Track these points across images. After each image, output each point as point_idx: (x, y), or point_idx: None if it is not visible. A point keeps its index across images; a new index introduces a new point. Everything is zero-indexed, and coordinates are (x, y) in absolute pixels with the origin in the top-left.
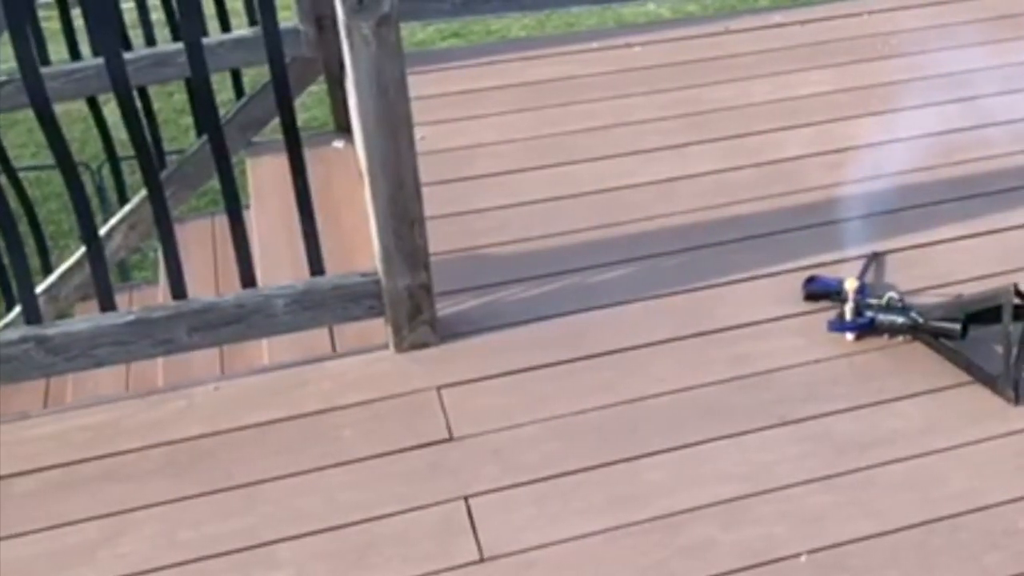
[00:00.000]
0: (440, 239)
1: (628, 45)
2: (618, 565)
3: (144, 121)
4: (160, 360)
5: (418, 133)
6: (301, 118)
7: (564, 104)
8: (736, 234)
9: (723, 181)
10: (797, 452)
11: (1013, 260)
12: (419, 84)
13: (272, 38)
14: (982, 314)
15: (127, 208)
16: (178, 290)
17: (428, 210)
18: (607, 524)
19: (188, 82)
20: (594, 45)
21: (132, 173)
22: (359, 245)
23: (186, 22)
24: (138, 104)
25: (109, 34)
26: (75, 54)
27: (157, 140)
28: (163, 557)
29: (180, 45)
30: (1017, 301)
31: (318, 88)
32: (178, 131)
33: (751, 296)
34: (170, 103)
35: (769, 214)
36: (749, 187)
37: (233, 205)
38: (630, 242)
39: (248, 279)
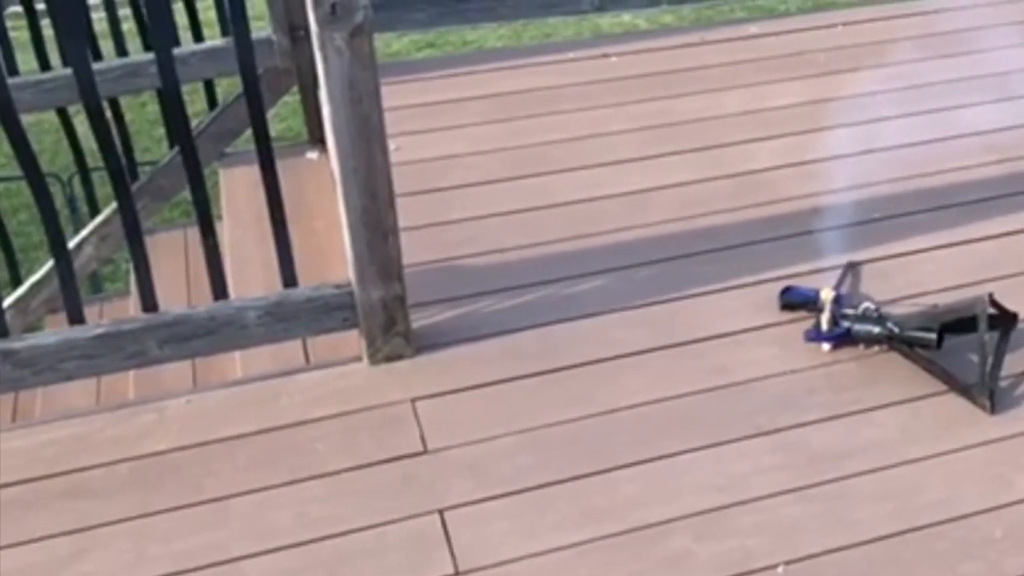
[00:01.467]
0: (414, 250)
1: (604, 56)
2: None
3: (115, 132)
4: (132, 373)
5: (392, 144)
6: (276, 128)
7: (538, 115)
8: (711, 245)
9: (697, 192)
10: (773, 463)
11: (987, 270)
12: (393, 95)
13: (243, 48)
14: (957, 324)
15: (98, 220)
16: (148, 303)
17: (402, 221)
18: (582, 537)
19: (160, 93)
20: (569, 56)
21: (103, 184)
22: (333, 256)
23: (156, 31)
24: (109, 115)
25: (78, 43)
26: (44, 64)
27: (129, 151)
28: (131, 574)
29: (152, 55)
30: (992, 311)
31: (292, 99)
32: (151, 142)
33: (726, 307)
34: (143, 114)
35: (744, 225)
36: (723, 198)
37: (205, 216)
38: (604, 253)
39: (220, 291)
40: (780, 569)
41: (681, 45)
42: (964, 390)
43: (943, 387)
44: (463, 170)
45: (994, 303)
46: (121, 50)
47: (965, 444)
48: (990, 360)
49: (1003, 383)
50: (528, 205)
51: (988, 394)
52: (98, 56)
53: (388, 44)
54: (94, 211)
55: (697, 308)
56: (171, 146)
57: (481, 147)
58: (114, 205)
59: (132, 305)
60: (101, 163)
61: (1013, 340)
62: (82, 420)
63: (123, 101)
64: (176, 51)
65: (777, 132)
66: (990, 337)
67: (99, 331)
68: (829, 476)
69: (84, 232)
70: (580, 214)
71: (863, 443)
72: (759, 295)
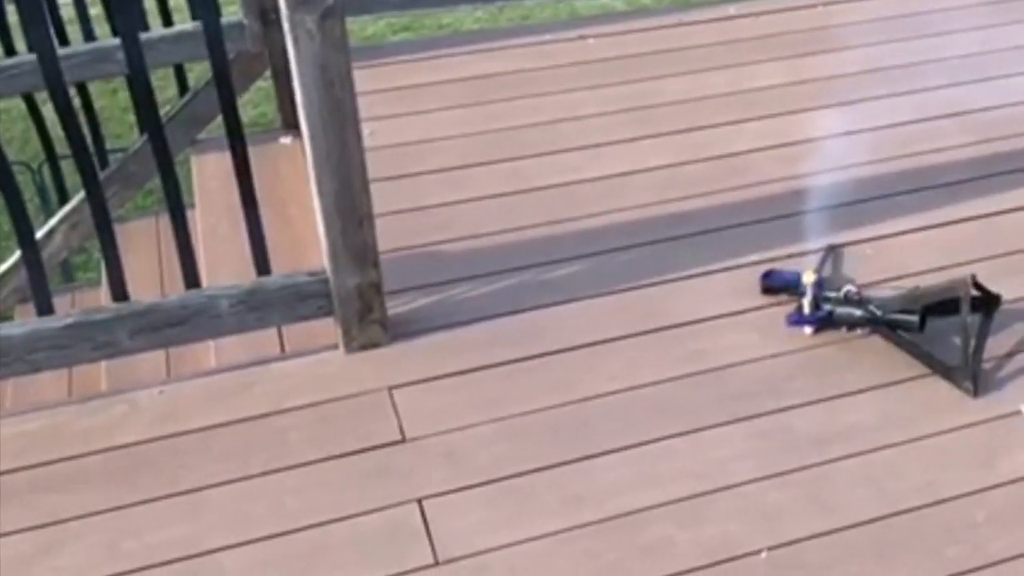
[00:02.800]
0: (390, 236)
1: (581, 38)
2: (574, 566)
3: (83, 118)
4: (104, 364)
5: (366, 129)
6: (249, 114)
7: (515, 98)
8: (691, 229)
9: (676, 175)
10: (754, 448)
11: (969, 251)
12: (367, 79)
13: (212, 31)
14: (940, 306)
15: (67, 208)
16: (119, 292)
17: (377, 207)
18: (562, 525)
19: (128, 78)
20: (547, 38)
21: (74, 172)
22: (309, 243)
23: (121, 14)
24: (77, 101)
25: (42, 28)
26: (9, 50)
27: (98, 138)
28: (103, 568)
29: (119, 40)
30: (974, 293)
31: (266, 84)
32: (123, 128)
33: (707, 291)
34: (115, 100)
35: (724, 208)
36: (703, 181)
37: (175, 204)
38: (583, 238)
39: (192, 279)
40: (763, 554)
41: (659, 27)
42: (947, 373)
43: (926, 370)
44: (439, 155)
45: (977, 285)
46: (89, 35)
47: (948, 427)
48: (973, 342)
49: (986, 365)
50: (505, 190)
51: (971, 377)
52: (65, 41)
53: (363, 27)
54: (63, 199)
55: (677, 293)
56: (141, 132)
57: (457, 131)
58: (84, 193)
59: (104, 294)
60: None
61: (996, 322)
62: (52, 412)
63: (93, 87)
64: (144, 36)
65: (756, 114)
66: (973, 319)
67: (68, 321)
68: (811, 461)
69: (53, 221)
70: (557, 198)
71: (845, 427)
72: (740, 279)
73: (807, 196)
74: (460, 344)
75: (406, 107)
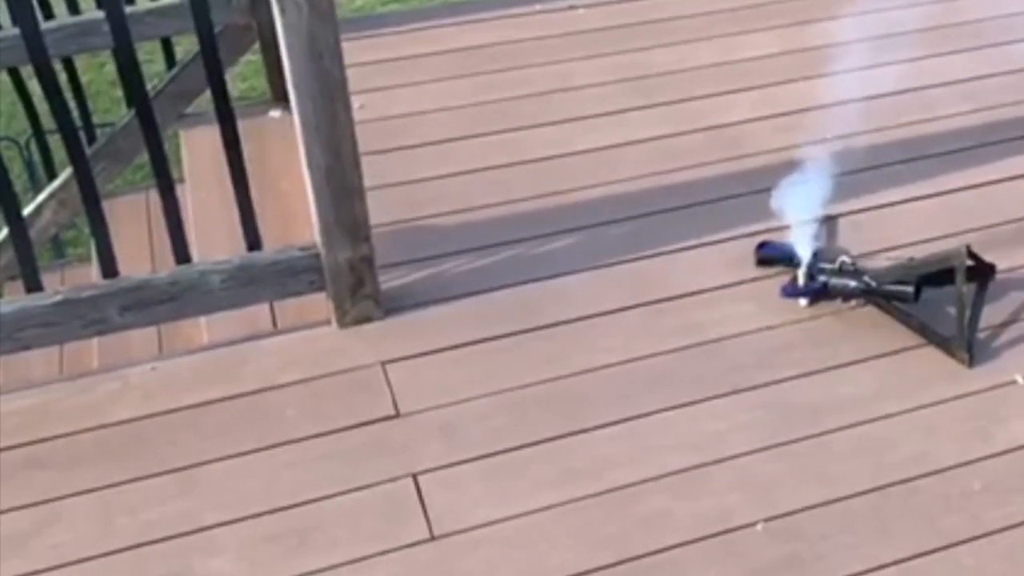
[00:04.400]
0: (381, 210)
1: (571, 8)
2: (571, 540)
3: (70, 93)
4: (95, 341)
5: (355, 101)
6: (239, 88)
7: (506, 70)
8: (684, 201)
9: (669, 147)
10: (750, 420)
11: (963, 221)
12: (356, 51)
13: (198, 4)
14: (935, 276)
15: (55, 184)
16: (108, 268)
17: (368, 181)
18: (559, 499)
19: (114, 52)
20: (536, 8)
21: (62, 147)
22: (300, 217)
23: None
24: (64, 76)
25: (25, 1)
26: None
27: (85, 113)
28: (98, 546)
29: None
30: (969, 263)
31: (256, 57)
32: (111, 103)
33: (701, 263)
34: (102, 74)
35: (717, 179)
36: (696, 152)
37: (164, 179)
38: (575, 211)
39: (182, 255)
40: (760, 526)
41: None
42: (942, 343)
43: (921, 340)
44: (429, 127)
45: (972, 255)
46: (74, 8)
47: (943, 397)
48: (968, 313)
49: (981, 335)
50: (497, 162)
51: (966, 347)
52: (50, 15)
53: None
54: (52, 175)
55: (671, 265)
56: (129, 107)
57: (448, 103)
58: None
59: (95, 271)
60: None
61: (991, 292)
62: (43, 390)
63: (81, 61)
64: (130, 9)
65: (749, 84)
66: (968, 289)
67: (57, 299)
68: (807, 432)
69: (41, 197)
70: (550, 171)
71: (840, 398)
72: (734, 251)
73: (801, 166)
74: (453, 318)
75: (396, 79)
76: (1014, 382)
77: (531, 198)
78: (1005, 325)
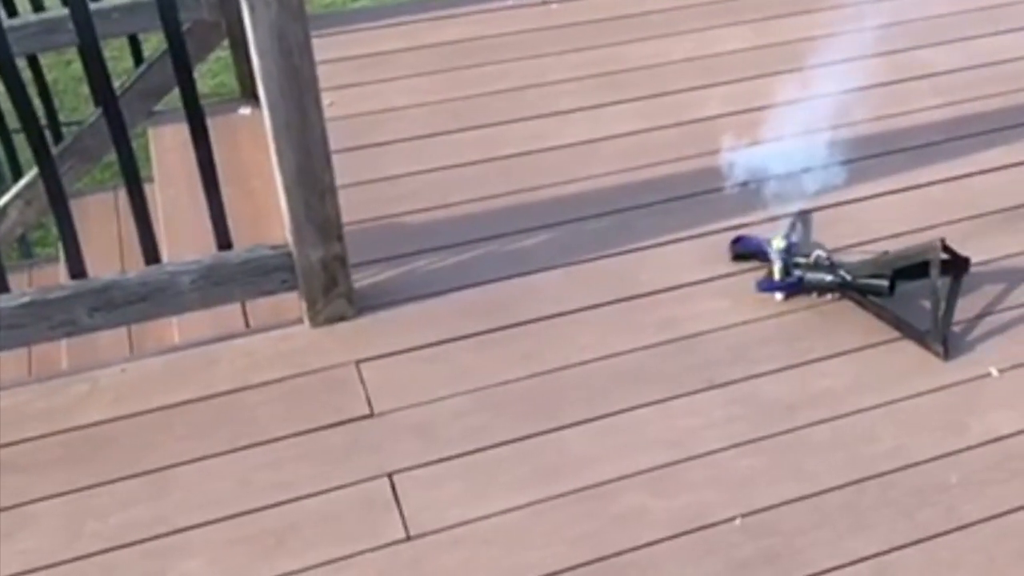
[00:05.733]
0: (353, 208)
1: (544, 3)
2: (548, 538)
3: (35, 91)
4: (64, 342)
5: (326, 98)
6: (208, 84)
7: (478, 66)
8: (659, 196)
9: (643, 142)
10: (726, 415)
11: (938, 214)
12: (326, 47)
13: (166, 1)
14: (910, 270)
15: (21, 183)
16: (76, 269)
17: (340, 178)
18: (535, 497)
19: (80, 49)
20: (509, 3)
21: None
22: (272, 216)
23: None
24: (28, 74)
25: None
26: None
27: (51, 111)
28: (68, 550)
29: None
30: (944, 256)
31: (225, 53)
32: (78, 101)
33: (676, 258)
34: (68, 71)
35: (692, 174)
36: (670, 147)
37: (132, 178)
38: (550, 207)
39: (152, 255)
40: (737, 522)
41: None
42: (917, 337)
43: (896, 334)
44: (402, 124)
45: (946, 248)
46: (38, 5)
47: (919, 391)
48: (942, 306)
49: (956, 328)
50: (470, 159)
51: (941, 340)
52: (13, 12)
53: None
54: (17, 175)
55: (646, 261)
56: (96, 105)
57: (420, 100)
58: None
59: (62, 271)
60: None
61: (965, 285)
62: (10, 392)
63: (46, 58)
64: (95, 5)
65: (724, 79)
66: (942, 283)
67: (24, 300)
68: (783, 427)
69: (7, 197)
70: (524, 167)
71: (816, 393)
72: (710, 246)
73: (776, 161)
74: (428, 316)
75: (368, 76)
76: (988, 374)
77: (505, 194)
78: (979, 318)
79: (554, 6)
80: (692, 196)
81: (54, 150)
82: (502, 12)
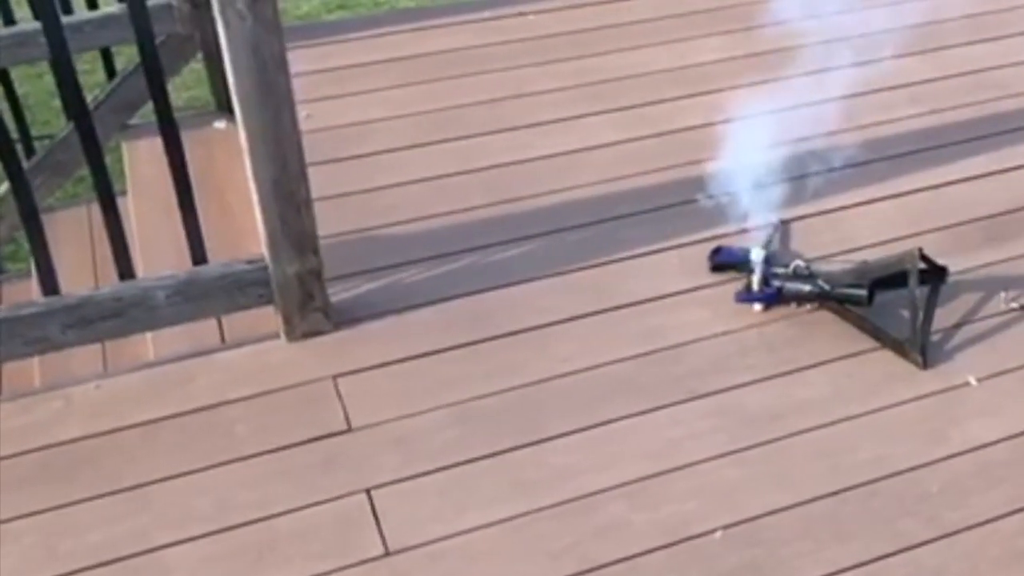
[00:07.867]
0: (330, 221)
1: (521, 14)
2: (530, 552)
3: (6, 105)
4: (37, 359)
5: (302, 111)
6: (182, 97)
7: (457, 77)
8: (639, 207)
9: (624, 152)
10: (707, 426)
11: (916, 223)
12: (302, 59)
13: (138, 13)
14: (888, 279)
15: None
16: (49, 285)
17: (316, 191)
18: (516, 511)
19: (53, 63)
20: (486, 15)
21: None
22: (248, 230)
23: None
24: None
25: None
26: None
27: (23, 125)
28: (42, 570)
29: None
30: (922, 265)
31: (199, 66)
32: (50, 115)
33: (657, 269)
34: (40, 85)
35: (673, 184)
36: (652, 158)
37: (105, 192)
38: (531, 218)
39: (126, 270)
40: (718, 534)
41: (601, 1)
42: (896, 346)
43: (875, 343)
44: (380, 136)
45: (924, 257)
46: (8, 19)
47: (898, 400)
48: (921, 315)
49: (934, 337)
50: (450, 170)
51: (920, 349)
52: None
53: (298, 5)
54: None
55: (627, 272)
56: (68, 119)
57: (398, 111)
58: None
59: (35, 287)
60: None
61: (943, 294)
62: None
63: (18, 71)
64: (68, 19)
65: (704, 89)
66: (921, 292)
67: None
68: (764, 437)
69: None
70: (505, 178)
71: (797, 403)
72: (691, 256)
73: (754, 171)
74: (407, 329)
75: (345, 88)
76: (967, 383)
77: (486, 206)
78: (958, 327)
79: (531, 17)
80: (673, 206)
81: (26, 164)
82: (481, 23)
